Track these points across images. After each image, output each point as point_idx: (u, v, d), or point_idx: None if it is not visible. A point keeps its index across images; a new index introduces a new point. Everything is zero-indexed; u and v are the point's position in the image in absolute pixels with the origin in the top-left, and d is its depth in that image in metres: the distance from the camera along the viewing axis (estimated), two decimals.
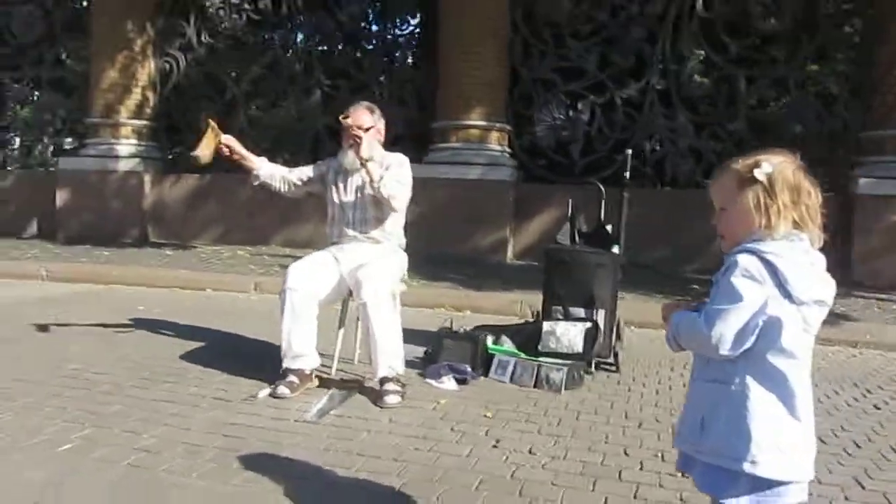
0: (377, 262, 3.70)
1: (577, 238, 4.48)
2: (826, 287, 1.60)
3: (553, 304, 4.33)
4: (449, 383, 3.80)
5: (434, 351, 4.18)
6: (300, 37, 9.70)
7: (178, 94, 9.77)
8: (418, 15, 9.66)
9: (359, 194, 3.85)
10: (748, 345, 1.55)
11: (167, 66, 9.69)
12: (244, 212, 9.18)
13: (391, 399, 3.42)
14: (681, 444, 1.71)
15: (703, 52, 8.48)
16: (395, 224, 3.93)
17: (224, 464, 2.59)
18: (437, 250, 8.37)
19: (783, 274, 1.53)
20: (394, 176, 3.74)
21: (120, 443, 2.75)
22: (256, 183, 4.04)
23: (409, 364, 4.04)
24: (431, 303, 6.32)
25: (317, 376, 3.67)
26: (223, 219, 9.40)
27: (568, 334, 4.19)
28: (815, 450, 1.60)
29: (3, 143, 10.98)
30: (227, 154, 3.87)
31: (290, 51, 9.71)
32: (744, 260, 1.55)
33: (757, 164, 1.57)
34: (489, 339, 4.21)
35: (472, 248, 8.32)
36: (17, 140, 11.01)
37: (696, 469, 1.65)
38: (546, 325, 4.26)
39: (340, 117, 3.82)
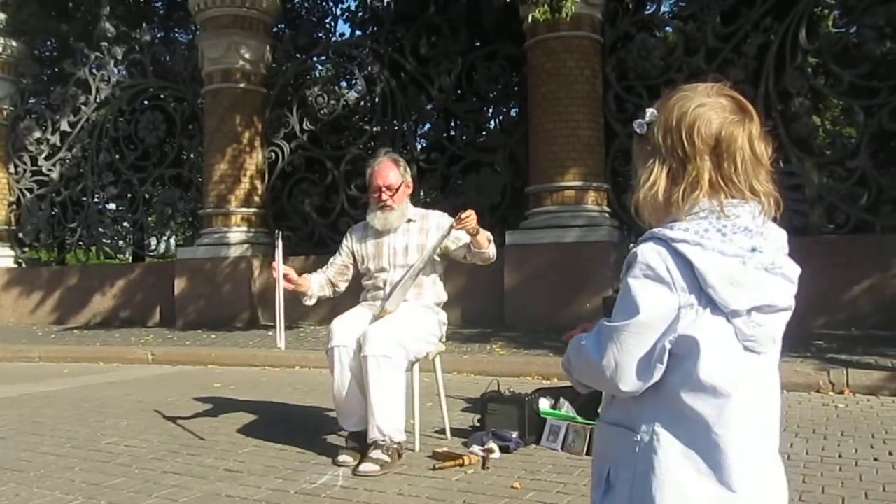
0: (397, 318, 3.42)
1: None
2: (779, 282, 1.15)
3: None
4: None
5: (481, 418, 3.80)
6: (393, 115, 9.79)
7: (283, 180, 10.12)
8: (510, 79, 9.54)
9: (393, 257, 3.60)
10: (655, 377, 1.13)
11: (273, 154, 10.09)
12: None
13: (366, 467, 3.09)
14: None
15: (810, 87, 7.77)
16: (433, 281, 3.67)
17: None
18: (535, 318, 7.99)
19: (701, 271, 1.11)
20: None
21: None
22: (310, 303, 3.73)
23: (457, 432, 3.71)
24: (520, 371, 5.96)
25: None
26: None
27: None
28: None
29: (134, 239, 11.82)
30: (286, 285, 3.45)
31: (385, 129, 9.85)
32: (645, 252, 1.13)
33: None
34: (544, 403, 3.78)
35: (573, 313, 7.83)
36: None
37: None
38: None
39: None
